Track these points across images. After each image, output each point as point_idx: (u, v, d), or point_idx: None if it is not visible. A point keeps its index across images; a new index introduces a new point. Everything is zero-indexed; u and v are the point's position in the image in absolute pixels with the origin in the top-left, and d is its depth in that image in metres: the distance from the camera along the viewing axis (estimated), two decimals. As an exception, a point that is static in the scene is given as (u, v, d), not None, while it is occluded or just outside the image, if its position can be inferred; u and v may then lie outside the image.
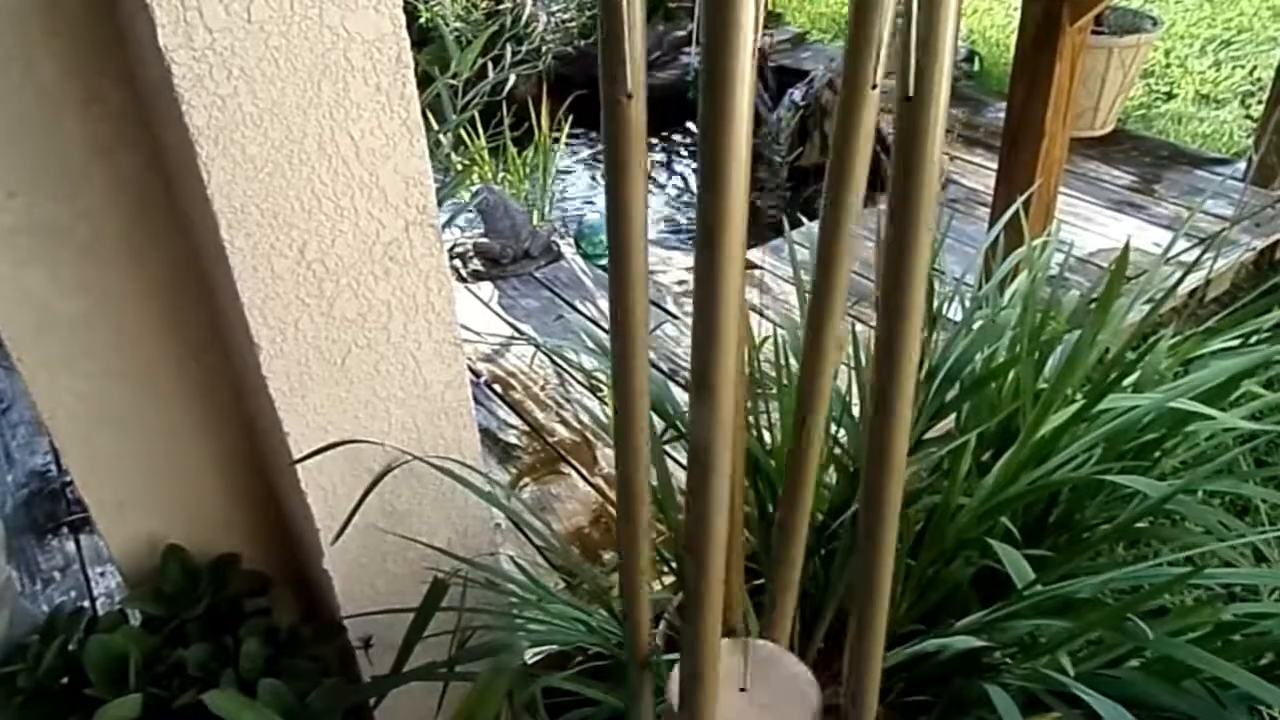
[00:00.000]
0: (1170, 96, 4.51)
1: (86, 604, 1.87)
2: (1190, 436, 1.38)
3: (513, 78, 2.92)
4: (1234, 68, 4.74)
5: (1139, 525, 1.36)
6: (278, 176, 1.02)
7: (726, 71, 0.51)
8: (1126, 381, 1.39)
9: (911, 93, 0.49)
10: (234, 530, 1.40)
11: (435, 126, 2.64)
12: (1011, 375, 1.45)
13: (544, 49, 3.97)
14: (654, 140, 4.44)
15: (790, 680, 0.82)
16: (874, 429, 0.62)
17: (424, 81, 2.45)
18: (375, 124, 1.05)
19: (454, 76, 2.43)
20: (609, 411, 2.35)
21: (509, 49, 2.93)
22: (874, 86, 0.58)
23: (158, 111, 1.08)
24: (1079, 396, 1.40)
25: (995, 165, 2.50)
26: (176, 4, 0.90)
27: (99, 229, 1.16)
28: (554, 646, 1.49)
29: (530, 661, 1.56)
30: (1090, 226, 3.16)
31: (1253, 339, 1.39)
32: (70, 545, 2.00)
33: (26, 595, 1.87)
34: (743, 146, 0.54)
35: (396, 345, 1.21)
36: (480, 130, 3.33)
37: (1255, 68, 4.63)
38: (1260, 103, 4.15)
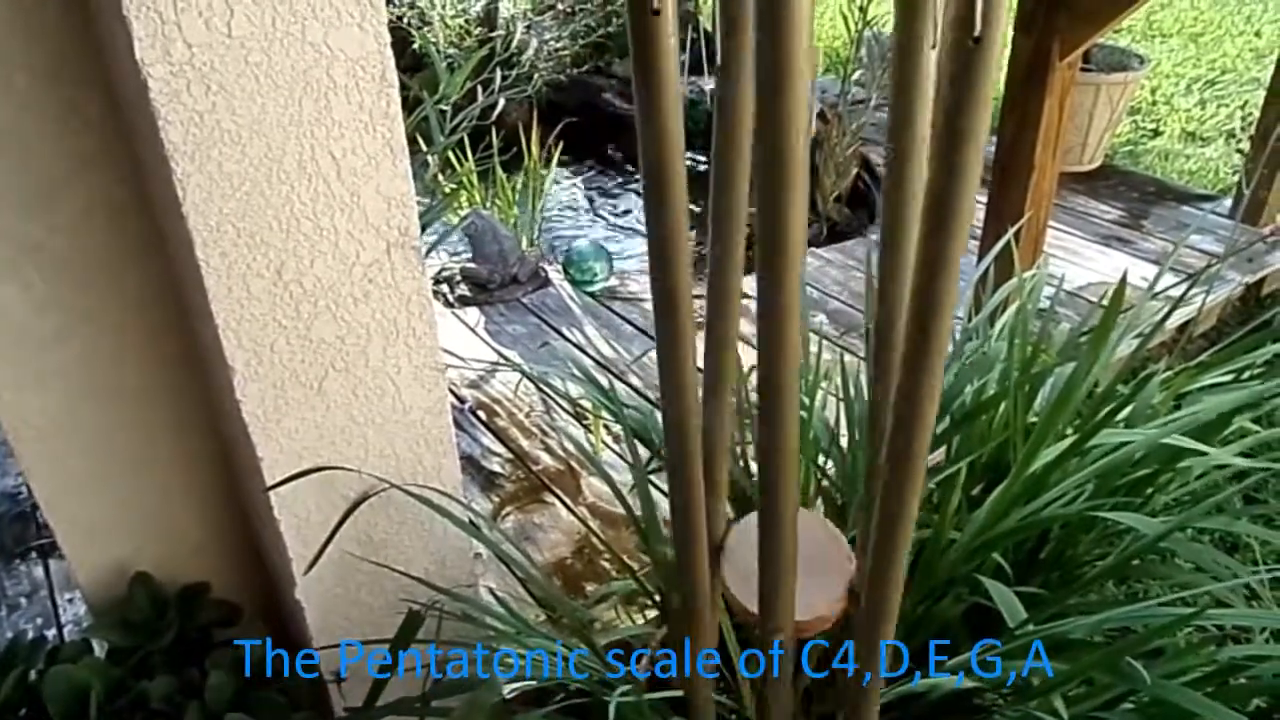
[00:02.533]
0: (1157, 133, 4.56)
1: (54, 631, 1.81)
2: (1183, 473, 1.36)
3: (502, 102, 2.91)
4: (1219, 106, 4.79)
5: (1133, 563, 1.33)
6: (255, 195, 1.00)
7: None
8: (1119, 417, 1.37)
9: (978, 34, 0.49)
10: (205, 558, 1.36)
11: (424, 149, 2.63)
12: (1002, 408, 1.43)
13: (535, 76, 3.98)
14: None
15: (824, 544, 0.82)
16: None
17: (415, 105, 2.44)
18: (357, 143, 1.03)
19: (442, 100, 2.41)
20: (593, 440, 2.32)
21: (499, 73, 2.92)
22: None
23: (135, 126, 1.05)
24: (1070, 431, 1.38)
25: (984, 198, 2.50)
26: (155, 17, 0.88)
27: (74, 245, 1.13)
28: (532, 682, 1.44)
29: (508, 697, 1.52)
30: (1078, 260, 3.16)
31: (1245, 374, 1.38)
32: (39, 570, 1.95)
33: (-9, 622, 1.81)
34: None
35: (375, 370, 1.18)
36: (469, 153, 3.33)
37: (1247, 103, 4.69)
38: (1240, 150, 4.20)
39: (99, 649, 1.27)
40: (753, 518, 0.89)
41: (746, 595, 0.82)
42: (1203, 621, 1.08)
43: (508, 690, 1.51)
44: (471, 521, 1.35)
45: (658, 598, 1.59)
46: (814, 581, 0.81)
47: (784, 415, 0.63)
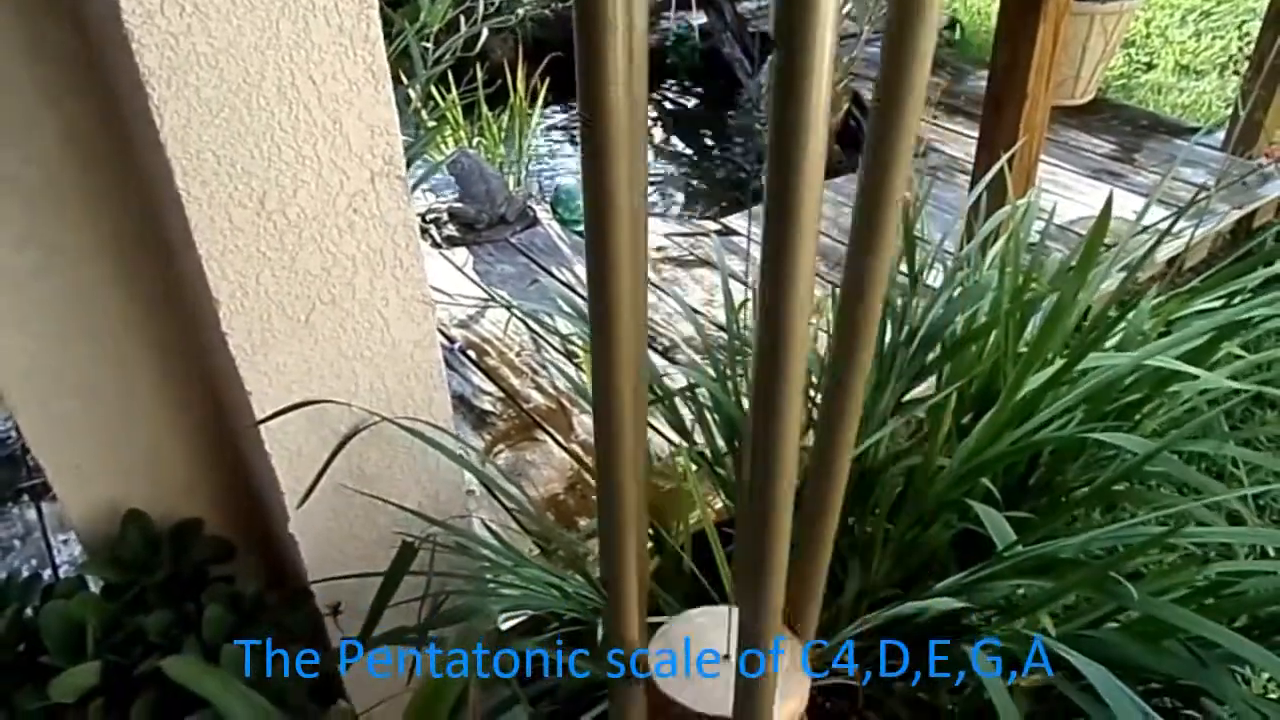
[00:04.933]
0: (1150, 67, 4.50)
1: (48, 572, 1.82)
2: (1171, 399, 1.37)
3: (485, 32, 2.84)
4: (1214, 38, 4.73)
5: (1118, 488, 1.34)
6: (235, 121, 0.98)
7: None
8: (1109, 343, 1.37)
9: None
10: (197, 495, 1.36)
11: (405, 81, 2.58)
12: (993, 337, 1.43)
13: (520, 10, 3.90)
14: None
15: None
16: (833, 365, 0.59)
17: (396, 37, 2.38)
18: (338, 67, 1.01)
19: (424, 29, 2.36)
20: (585, 377, 2.31)
21: (481, 2, 2.86)
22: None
23: (109, 53, 1.02)
24: (1059, 359, 1.39)
25: (975, 133, 2.48)
26: (123, -66, 0.85)
27: (50, 179, 1.10)
28: (528, 612, 1.46)
29: (503, 628, 1.54)
30: (1070, 194, 3.15)
31: (1235, 300, 1.38)
32: (31, 513, 1.95)
33: (-14, 564, 1.82)
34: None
35: (363, 302, 1.17)
36: (453, 86, 3.26)
37: (1244, 24, 4.62)
38: (1236, 74, 4.15)
39: (94, 586, 1.28)
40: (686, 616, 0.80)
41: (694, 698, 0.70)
42: (1184, 540, 1.09)
43: (503, 620, 1.53)
44: (463, 454, 1.35)
45: (650, 530, 1.60)
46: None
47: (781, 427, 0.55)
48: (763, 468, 0.58)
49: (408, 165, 1.13)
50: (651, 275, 2.80)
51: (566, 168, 3.91)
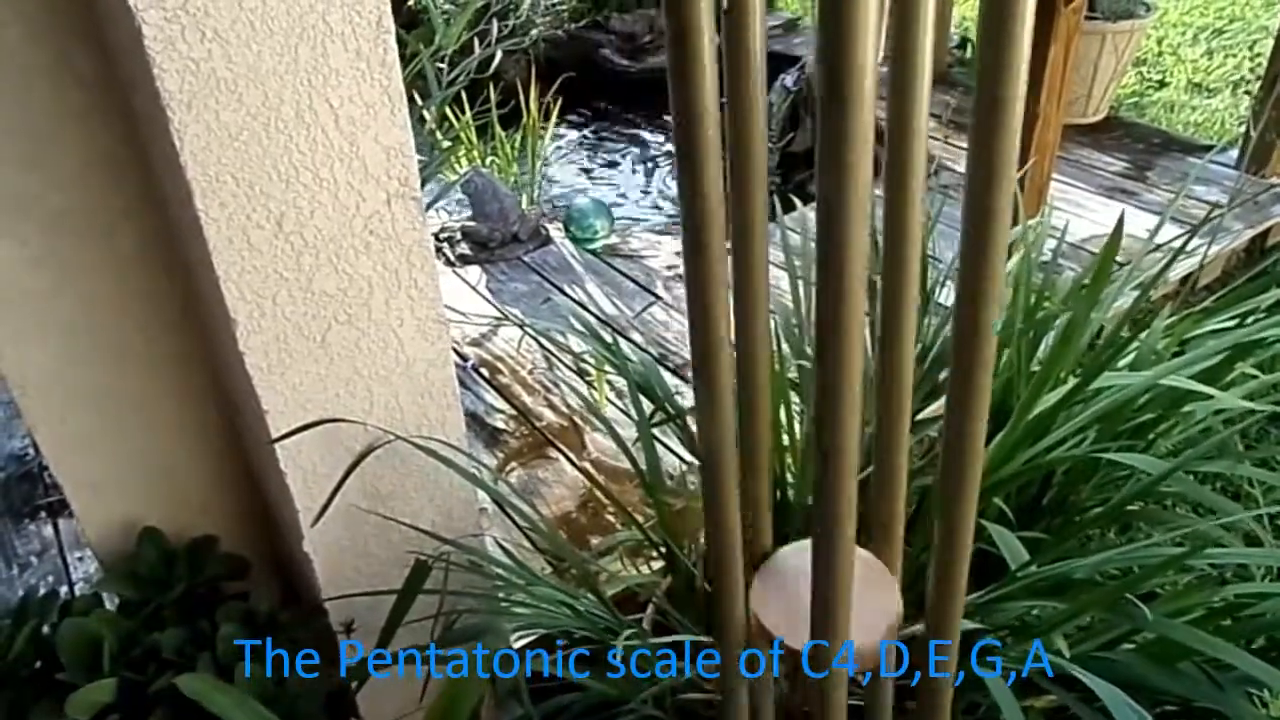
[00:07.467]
0: (1162, 85, 4.50)
1: (65, 589, 1.83)
2: (1185, 419, 1.37)
3: (499, 54, 2.88)
4: (1226, 57, 4.73)
5: (1132, 508, 1.34)
6: (254, 144, 0.99)
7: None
8: (1123, 363, 1.37)
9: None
10: (212, 512, 1.37)
11: (420, 102, 2.61)
12: (1005, 356, 1.43)
13: (533, 31, 3.93)
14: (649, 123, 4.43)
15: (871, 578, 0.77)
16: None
17: (411, 59, 2.41)
18: (355, 91, 1.02)
19: (439, 51, 2.38)
20: (596, 396, 2.32)
21: (495, 24, 2.89)
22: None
23: (130, 77, 1.04)
24: (1072, 378, 1.38)
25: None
26: (147, -38, 0.87)
27: (70, 199, 1.12)
28: (540, 630, 1.46)
29: (515, 646, 1.54)
30: (1083, 213, 3.14)
31: (1249, 320, 1.37)
32: (48, 529, 1.96)
33: (2, 580, 1.83)
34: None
35: (378, 322, 1.18)
36: (467, 107, 3.30)
37: (1255, 44, 4.62)
38: (1248, 93, 4.15)
39: (109, 603, 1.29)
40: (791, 548, 0.83)
41: (789, 631, 0.75)
42: (1200, 560, 1.09)
43: (515, 638, 1.53)
44: (476, 473, 1.35)
45: (662, 549, 1.60)
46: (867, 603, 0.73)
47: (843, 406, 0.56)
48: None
49: (422, 185, 1.14)
50: (664, 294, 2.81)
51: (579, 187, 3.93)
